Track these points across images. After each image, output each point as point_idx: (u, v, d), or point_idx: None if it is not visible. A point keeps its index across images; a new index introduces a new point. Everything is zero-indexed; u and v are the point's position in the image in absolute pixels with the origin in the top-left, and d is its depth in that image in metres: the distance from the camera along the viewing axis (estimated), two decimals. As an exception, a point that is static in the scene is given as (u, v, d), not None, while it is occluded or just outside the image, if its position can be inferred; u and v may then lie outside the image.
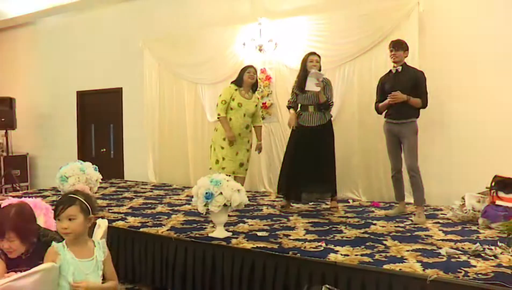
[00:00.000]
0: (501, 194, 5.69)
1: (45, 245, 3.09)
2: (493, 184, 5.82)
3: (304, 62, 6.47)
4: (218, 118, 6.95)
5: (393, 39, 6.15)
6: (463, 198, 5.98)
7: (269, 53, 8.26)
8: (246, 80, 6.87)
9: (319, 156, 6.35)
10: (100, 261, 2.96)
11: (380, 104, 6.11)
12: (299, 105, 6.57)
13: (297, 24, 8.13)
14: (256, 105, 6.99)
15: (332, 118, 6.59)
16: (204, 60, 9.18)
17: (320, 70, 6.43)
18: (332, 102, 6.49)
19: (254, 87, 7.03)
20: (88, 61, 11.15)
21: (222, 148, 6.85)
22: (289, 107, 6.67)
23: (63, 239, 3.00)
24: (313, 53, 6.52)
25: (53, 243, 2.96)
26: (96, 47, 11.02)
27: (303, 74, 6.41)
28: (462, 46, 6.86)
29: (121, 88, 10.78)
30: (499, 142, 6.49)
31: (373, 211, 6.45)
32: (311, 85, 6.22)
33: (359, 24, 7.55)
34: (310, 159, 6.32)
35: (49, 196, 7.76)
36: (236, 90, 6.88)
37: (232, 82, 7.03)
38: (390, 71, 6.13)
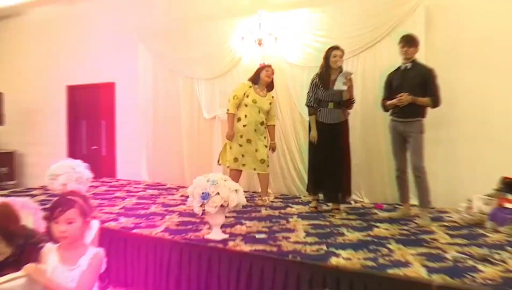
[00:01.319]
0: (509, 196, 5.70)
1: (32, 247, 3.09)
2: (501, 185, 5.83)
3: (327, 57, 6.47)
4: (227, 113, 7.12)
5: (404, 34, 6.11)
6: (469, 200, 5.99)
7: (268, 47, 8.24)
8: (263, 78, 7.05)
9: (335, 156, 6.40)
10: (81, 271, 2.92)
11: (388, 102, 6.12)
12: (318, 101, 6.56)
13: (298, 17, 8.11)
14: (270, 103, 7.13)
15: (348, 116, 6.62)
16: (201, 54, 9.15)
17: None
18: (354, 99, 6.53)
19: (269, 86, 7.18)
20: (78, 54, 11.14)
21: (241, 145, 7.01)
22: (309, 106, 6.64)
23: (50, 241, 3.00)
24: (337, 48, 6.49)
25: (47, 244, 2.96)
26: (87, 39, 11.02)
27: (326, 70, 6.47)
28: (470, 40, 6.88)
29: (114, 82, 10.77)
30: (507, 143, 6.49)
31: (376, 213, 6.47)
32: (340, 84, 6.29)
33: (362, 18, 7.54)
34: (330, 157, 6.39)
35: (37, 195, 7.75)
36: (250, 87, 7.06)
37: (248, 79, 7.18)
38: (399, 67, 6.14)
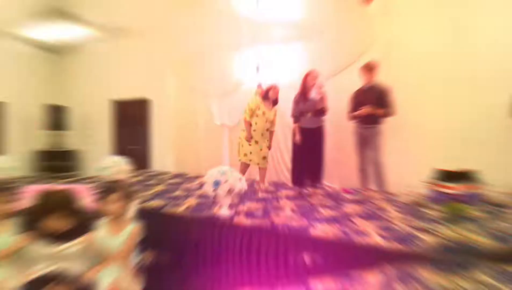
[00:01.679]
0: (440, 183, 5.70)
1: (87, 221, 3.12)
2: (435, 175, 5.84)
3: (305, 79, 6.55)
4: (244, 120, 7.23)
5: (364, 63, 6.24)
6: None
7: (265, 72, 8.41)
8: (271, 96, 7.17)
9: (317, 151, 6.52)
10: (123, 239, 2.95)
11: (352, 114, 6.22)
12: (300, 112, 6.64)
13: (288, 48, 8.30)
14: (274, 114, 7.28)
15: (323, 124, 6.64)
16: (213, 77, 9.32)
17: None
18: (327, 109, 6.52)
19: (274, 102, 7.27)
20: (122, 76, 11.19)
21: (250, 144, 7.17)
22: (295, 119, 6.70)
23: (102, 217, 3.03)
24: (311, 72, 6.56)
25: (101, 218, 3.01)
26: (129, 67, 11.06)
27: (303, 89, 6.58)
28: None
29: (149, 99, 10.93)
30: (441, 136, 6.55)
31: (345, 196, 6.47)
32: (315, 95, 6.43)
33: (336, 49, 7.65)
34: (311, 153, 6.49)
35: (92, 182, 7.75)
36: (261, 102, 7.17)
37: (259, 95, 7.30)
38: (362, 87, 6.24)
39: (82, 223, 3.20)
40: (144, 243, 5.23)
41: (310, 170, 6.47)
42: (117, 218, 3.00)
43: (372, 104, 5.97)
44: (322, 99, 6.43)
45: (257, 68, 8.36)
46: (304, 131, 6.50)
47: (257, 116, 7.14)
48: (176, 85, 10.09)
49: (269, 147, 7.35)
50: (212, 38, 9.29)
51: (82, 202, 3.58)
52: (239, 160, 7.32)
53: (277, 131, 7.86)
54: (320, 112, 6.46)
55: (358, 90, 6.35)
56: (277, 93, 7.21)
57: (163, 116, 10.38)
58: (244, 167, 7.24)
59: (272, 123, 7.30)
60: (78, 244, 2.80)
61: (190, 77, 9.77)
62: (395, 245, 3.57)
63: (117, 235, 2.97)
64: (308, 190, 6.72)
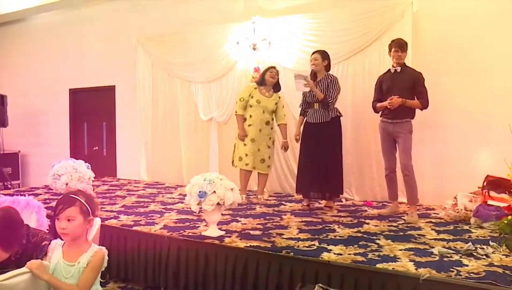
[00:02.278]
0: (493, 194, 5.72)
1: (35, 246, 3.09)
2: (485, 183, 5.85)
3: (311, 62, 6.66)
4: (235, 114, 7.24)
5: (395, 39, 6.15)
6: (455, 197, 6.01)
7: (262, 52, 8.27)
8: (268, 79, 7.10)
9: (322, 155, 6.44)
10: (81, 268, 2.90)
11: (378, 104, 6.15)
12: (307, 103, 6.75)
13: (291, 22, 8.16)
14: (276, 103, 7.16)
15: (339, 116, 6.62)
16: (198, 58, 9.21)
17: (329, 66, 6.68)
18: (332, 99, 6.47)
19: (276, 87, 7.23)
20: (80, 58, 11.14)
21: (245, 144, 7.07)
22: (301, 112, 6.88)
23: (53, 239, 3.00)
24: (314, 53, 6.69)
25: (54, 240, 2.97)
26: (89, 44, 11.00)
27: (313, 75, 6.67)
28: (456, 45, 6.91)
29: (114, 86, 10.78)
30: (491, 142, 6.51)
31: (366, 210, 6.47)
32: (300, 87, 6.47)
33: (353, 23, 7.59)
34: (314, 157, 6.47)
35: (41, 194, 7.74)
36: (255, 88, 7.15)
37: (255, 81, 7.35)
38: (389, 70, 6.17)
39: (26, 248, 3.17)
40: (110, 271, 5.25)
41: (320, 176, 6.46)
42: (75, 240, 2.97)
43: (402, 92, 5.94)
44: (332, 88, 6.48)
45: (253, 46, 8.29)
46: (308, 127, 6.61)
47: (251, 106, 7.09)
48: (150, 69, 10.03)
49: (283, 146, 7.27)
50: (197, 8, 9.28)
51: (26, 220, 3.56)
52: (235, 166, 7.26)
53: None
54: (322, 103, 6.52)
55: (385, 74, 6.32)
56: (275, 76, 7.15)
57: (132, 108, 10.28)
58: (244, 175, 7.19)
59: (278, 114, 7.22)
60: (22, 275, 2.75)
61: (167, 58, 9.73)
62: (431, 273, 3.57)
63: (74, 262, 2.94)
64: (320, 203, 6.73)
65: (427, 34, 7.11)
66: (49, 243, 3.04)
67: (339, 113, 6.61)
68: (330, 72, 6.68)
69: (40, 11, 11.60)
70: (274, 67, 7.24)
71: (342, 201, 7.23)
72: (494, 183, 5.78)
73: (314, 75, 6.63)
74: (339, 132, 6.57)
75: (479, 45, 6.72)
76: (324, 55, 6.62)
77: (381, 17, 7.33)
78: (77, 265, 2.88)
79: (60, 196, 3.06)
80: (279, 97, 7.26)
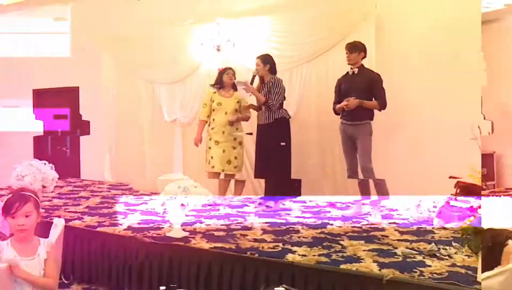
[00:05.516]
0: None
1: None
2: (458, 191, 5.89)
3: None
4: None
5: (349, 42, 6.23)
6: (420, 200, 6.03)
7: (226, 53, 8.24)
8: (226, 81, 7.15)
9: (263, 155, 6.81)
10: (42, 260, 2.90)
11: (337, 106, 6.19)
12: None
13: (255, 24, 8.14)
14: (238, 102, 7.17)
15: (283, 117, 6.75)
16: (161, 59, 9.15)
17: (273, 68, 6.85)
18: (272, 102, 6.62)
19: (234, 86, 7.22)
20: (43, 58, 10.93)
21: (210, 148, 7.08)
22: None
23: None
24: (257, 58, 6.95)
25: None
26: (52, 44, 10.79)
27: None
28: (419, 47, 6.93)
29: (78, 87, 10.60)
30: (456, 143, 6.56)
31: (329, 211, 6.48)
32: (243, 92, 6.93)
33: (317, 25, 7.59)
34: (257, 157, 6.93)
35: (4, 195, 7.58)
36: (214, 92, 7.19)
37: (210, 85, 7.35)
38: (347, 72, 6.22)
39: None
40: (74, 272, 5.18)
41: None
42: (29, 235, 2.95)
43: (360, 94, 5.98)
44: (274, 91, 6.69)
45: (217, 48, 8.26)
46: (258, 128, 6.94)
47: (213, 110, 7.13)
48: (113, 69, 9.93)
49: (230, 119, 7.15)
50: (161, 8, 9.20)
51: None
52: (206, 170, 7.19)
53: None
54: (264, 106, 6.76)
55: (343, 76, 6.37)
56: (232, 77, 7.18)
57: (96, 109, 10.11)
58: (222, 184, 7.22)
59: (242, 111, 7.20)
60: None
61: (130, 58, 9.64)
62: (395, 274, 3.58)
63: (31, 256, 2.92)
64: (284, 204, 6.74)
65: (390, 34, 7.13)
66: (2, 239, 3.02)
67: (285, 114, 6.78)
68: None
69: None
70: (230, 68, 7.30)
71: (305, 202, 7.24)
72: (465, 189, 5.82)
73: (253, 79, 6.86)
74: (282, 134, 6.69)
75: (445, 45, 6.74)
76: (265, 59, 6.83)
77: (344, 19, 7.38)
78: (37, 258, 2.88)
79: (9, 195, 3.05)
80: (239, 96, 7.23)
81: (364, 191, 6.14)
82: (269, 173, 6.78)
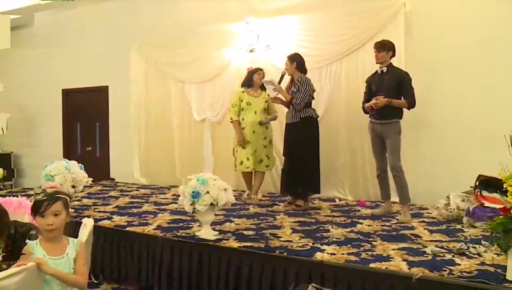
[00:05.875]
0: (484, 193, 5.72)
1: (23, 235, 3.09)
2: (477, 183, 5.86)
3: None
4: (231, 122, 7.34)
5: (378, 40, 6.20)
6: (448, 197, 6.00)
7: (256, 52, 8.26)
8: (256, 81, 7.27)
9: (286, 154, 6.89)
10: (71, 259, 2.92)
11: (366, 105, 6.16)
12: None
13: (285, 23, 8.14)
14: (266, 101, 7.27)
15: (309, 116, 6.68)
16: (191, 59, 9.18)
17: (300, 67, 6.78)
18: (297, 101, 6.60)
19: (263, 86, 7.30)
20: (73, 58, 11.05)
21: (243, 148, 7.13)
22: None
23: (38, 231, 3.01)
24: (286, 57, 6.91)
25: (28, 241, 2.96)
26: (82, 44, 10.93)
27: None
28: (448, 46, 6.89)
29: (107, 86, 10.73)
30: (484, 141, 6.49)
31: (359, 210, 6.47)
32: (271, 91, 6.91)
33: (346, 24, 7.61)
34: (285, 156, 6.94)
35: (34, 195, 7.69)
36: (243, 92, 7.26)
37: (241, 84, 7.42)
38: (376, 71, 6.19)
39: (15, 239, 3.17)
40: (104, 272, 5.23)
41: (284, 175, 6.90)
42: (55, 235, 2.97)
43: (389, 92, 5.95)
44: (299, 91, 6.63)
45: (250, 47, 8.28)
46: (286, 127, 6.94)
47: (243, 110, 7.20)
48: (143, 69, 9.98)
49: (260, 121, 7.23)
50: (190, 8, 9.25)
51: (19, 220, 3.55)
52: (235, 169, 7.39)
53: (274, 129, 7.76)
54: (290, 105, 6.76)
55: (372, 75, 6.34)
56: (262, 77, 7.30)
57: (126, 109, 10.19)
58: (246, 175, 7.38)
59: (271, 110, 7.36)
60: (14, 276, 2.73)
61: (161, 59, 9.68)
62: (424, 272, 3.56)
63: (60, 255, 2.94)
64: (314, 203, 6.73)
65: (419, 34, 7.09)
66: (38, 232, 3.05)
67: (312, 113, 6.73)
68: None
69: (33, 11, 11.47)
70: (261, 69, 7.40)
71: (335, 201, 7.24)
72: (486, 183, 5.79)
73: (281, 78, 6.87)
74: (307, 133, 6.65)
75: (473, 45, 6.71)
76: (292, 58, 6.79)
77: (373, 18, 7.33)
78: (66, 257, 2.90)
79: (38, 195, 3.07)
80: (268, 95, 7.23)
81: (397, 188, 6.10)
82: (295, 190, 6.77)
